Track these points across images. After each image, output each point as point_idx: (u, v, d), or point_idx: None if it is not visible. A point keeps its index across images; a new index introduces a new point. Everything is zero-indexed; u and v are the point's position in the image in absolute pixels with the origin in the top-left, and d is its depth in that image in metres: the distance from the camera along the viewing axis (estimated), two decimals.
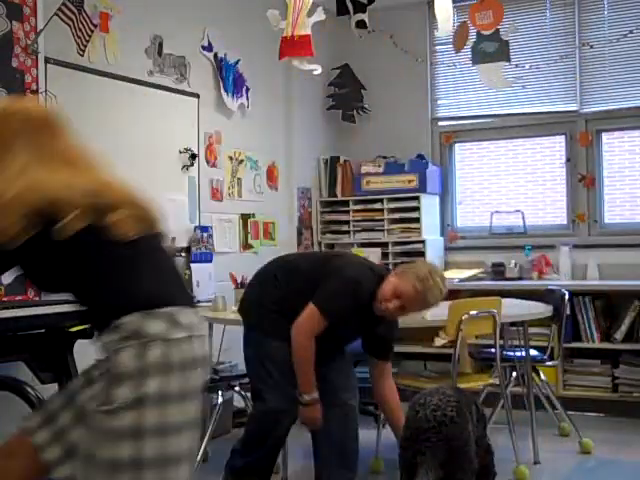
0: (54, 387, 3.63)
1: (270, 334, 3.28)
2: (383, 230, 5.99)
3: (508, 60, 5.04)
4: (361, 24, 4.61)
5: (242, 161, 5.57)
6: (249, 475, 3.38)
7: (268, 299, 3.34)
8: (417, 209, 5.89)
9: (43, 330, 3.60)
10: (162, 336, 1.87)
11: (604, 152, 5.80)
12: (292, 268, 3.41)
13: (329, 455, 3.38)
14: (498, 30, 4.83)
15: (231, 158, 5.48)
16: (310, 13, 3.96)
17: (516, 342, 4.43)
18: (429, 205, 6.02)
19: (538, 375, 4.50)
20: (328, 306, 3.15)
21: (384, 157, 6.26)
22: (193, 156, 5.03)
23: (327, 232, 6.27)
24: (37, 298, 3.92)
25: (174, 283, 2.09)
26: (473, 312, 3.73)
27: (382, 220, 5.99)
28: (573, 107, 5.85)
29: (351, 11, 4.77)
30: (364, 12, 4.59)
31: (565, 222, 5.87)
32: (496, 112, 6.05)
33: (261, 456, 3.38)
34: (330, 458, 3.38)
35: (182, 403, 1.88)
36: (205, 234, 5.13)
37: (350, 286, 3.17)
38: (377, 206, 6.03)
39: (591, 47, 5.72)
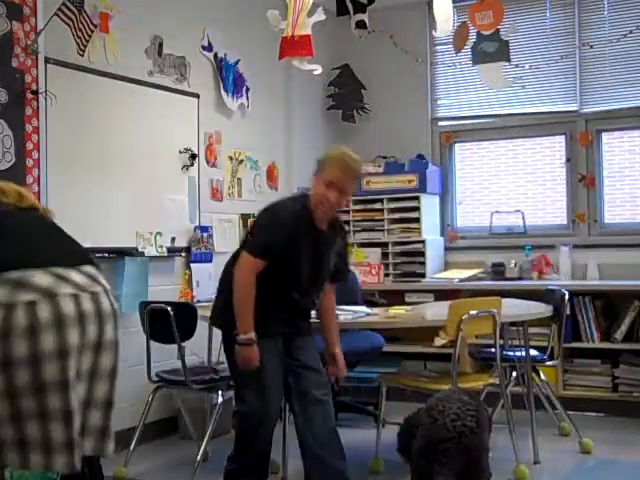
0: None
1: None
2: (383, 230, 5.99)
3: (508, 60, 5.04)
4: (361, 24, 4.61)
5: (242, 161, 5.57)
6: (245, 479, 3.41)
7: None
8: (417, 209, 5.89)
9: None
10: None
11: (604, 152, 5.80)
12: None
13: (318, 450, 3.39)
14: (498, 30, 4.82)
15: (231, 158, 5.48)
16: (310, 13, 3.96)
17: (516, 342, 4.43)
18: (429, 205, 6.02)
19: (538, 375, 4.50)
20: (254, 242, 3.30)
21: (384, 157, 6.25)
22: (193, 156, 5.03)
23: None
24: None
25: (32, 249, 2.17)
26: (473, 312, 3.73)
27: (382, 220, 5.99)
28: (573, 107, 5.85)
29: (351, 11, 4.77)
30: (364, 12, 4.58)
31: (565, 222, 5.87)
32: (496, 112, 6.05)
33: (251, 460, 3.40)
34: (320, 453, 3.39)
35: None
36: (205, 234, 5.13)
37: (265, 218, 3.36)
38: (377, 206, 6.02)
39: (591, 47, 5.72)
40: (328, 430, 3.42)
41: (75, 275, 2.17)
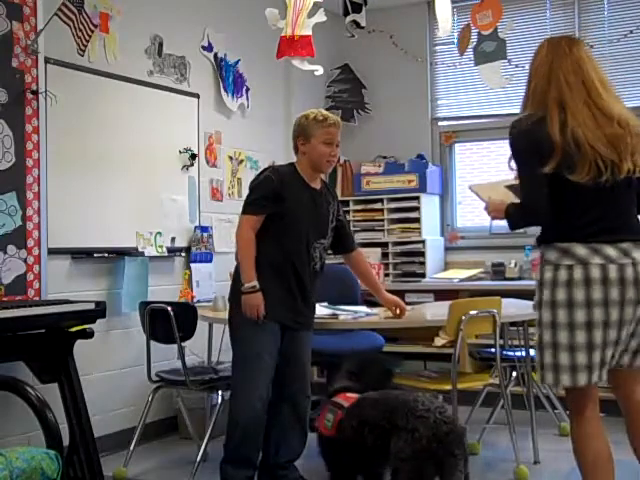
0: (54, 387, 3.64)
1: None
2: (383, 230, 5.98)
3: (505, 57, 5.03)
4: (355, 24, 4.60)
5: (242, 161, 5.57)
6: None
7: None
8: (417, 209, 5.89)
9: (43, 330, 3.61)
10: (552, 262, 2.70)
11: None
12: None
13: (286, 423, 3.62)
14: (496, 29, 4.82)
15: (231, 158, 5.48)
16: (311, 14, 3.96)
17: (516, 342, 4.43)
18: (429, 205, 6.02)
19: None
20: (246, 202, 3.58)
21: (384, 157, 6.26)
22: (193, 156, 5.03)
23: None
24: (37, 298, 3.93)
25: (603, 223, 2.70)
26: (473, 312, 3.73)
27: (382, 220, 5.99)
28: None
29: (350, 10, 4.76)
30: (359, 12, 4.57)
31: None
32: (496, 112, 6.04)
33: (244, 449, 3.54)
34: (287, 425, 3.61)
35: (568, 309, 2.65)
36: (205, 234, 5.13)
37: (254, 181, 3.65)
38: (377, 206, 6.02)
39: (591, 47, 5.71)
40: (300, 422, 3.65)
41: (608, 249, 2.65)
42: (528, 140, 2.75)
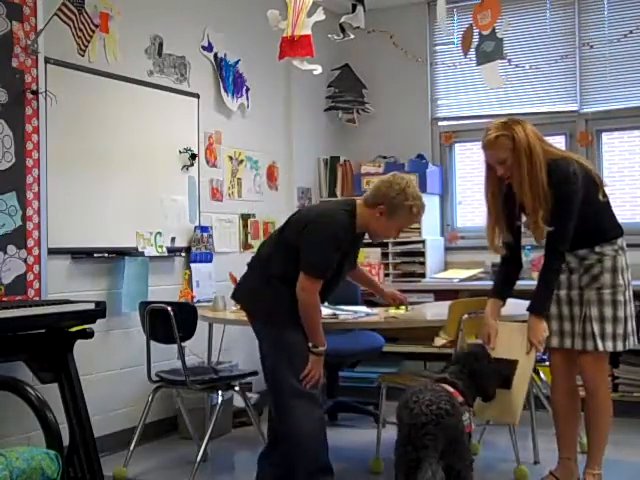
0: (54, 387, 3.64)
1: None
2: None
3: (502, 57, 5.02)
4: (346, 25, 4.58)
5: (242, 161, 5.57)
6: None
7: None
8: None
9: (43, 330, 3.61)
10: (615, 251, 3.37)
11: (604, 152, 5.81)
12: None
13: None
14: (494, 28, 4.82)
15: (231, 158, 5.48)
16: (310, 13, 3.95)
17: None
18: (429, 205, 5.92)
19: (538, 375, 4.50)
20: (315, 264, 3.30)
21: (384, 157, 6.26)
22: (193, 156, 5.03)
23: None
24: (37, 298, 3.93)
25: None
26: (473, 312, 3.73)
27: None
28: (573, 107, 5.85)
29: (350, 11, 4.75)
30: (353, 12, 4.55)
31: None
32: (496, 112, 6.03)
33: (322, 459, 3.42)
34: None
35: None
36: (205, 234, 5.13)
37: (324, 234, 3.30)
38: None
39: (591, 47, 5.73)
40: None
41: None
42: None
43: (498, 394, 3.22)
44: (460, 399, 3.01)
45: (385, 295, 3.94)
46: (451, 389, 3.02)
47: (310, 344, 3.36)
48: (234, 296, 3.67)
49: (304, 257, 3.30)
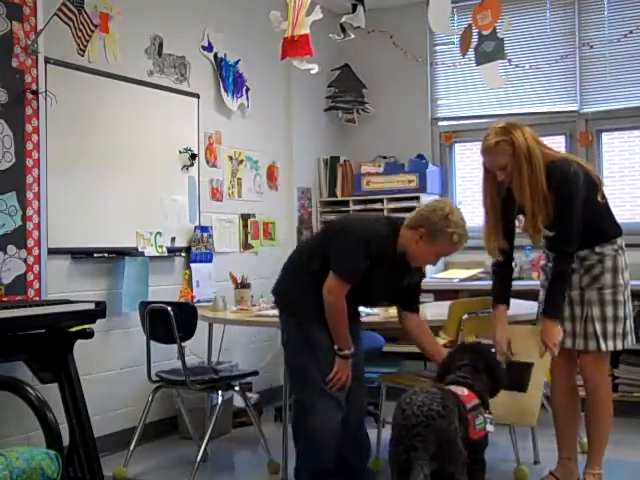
0: (54, 387, 3.64)
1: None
2: None
3: (503, 57, 5.03)
4: (347, 25, 4.58)
5: (242, 161, 5.57)
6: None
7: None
8: None
9: (43, 330, 3.61)
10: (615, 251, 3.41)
11: (604, 152, 5.81)
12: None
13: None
14: (495, 28, 4.83)
15: (231, 158, 5.48)
16: (308, 12, 3.95)
17: None
18: None
19: None
20: (346, 267, 3.27)
21: (384, 157, 6.26)
22: (193, 156, 5.03)
23: None
24: (37, 298, 3.93)
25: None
26: (473, 312, 3.73)
27: None
28: (573, 107, 5.85)
29: (350, 11, 4.75)
30: (353, 12, 4.55)
31: None
32: (496, 112, 6.04)
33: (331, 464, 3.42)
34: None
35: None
36: (205, 234, 5.13)
37: (360, 240, 3.27)
38: (377, 206, 6.02)
39: (591, 47, 5.73)
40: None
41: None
42: None
43: (515, 397, 3.22)
44: (475, 401, 3.01)
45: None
46: (466, 391, 3.01)
47: (336, 347, 3.35)
48: (273, 291, 3.62)
49: (333, 257, 3.30)
